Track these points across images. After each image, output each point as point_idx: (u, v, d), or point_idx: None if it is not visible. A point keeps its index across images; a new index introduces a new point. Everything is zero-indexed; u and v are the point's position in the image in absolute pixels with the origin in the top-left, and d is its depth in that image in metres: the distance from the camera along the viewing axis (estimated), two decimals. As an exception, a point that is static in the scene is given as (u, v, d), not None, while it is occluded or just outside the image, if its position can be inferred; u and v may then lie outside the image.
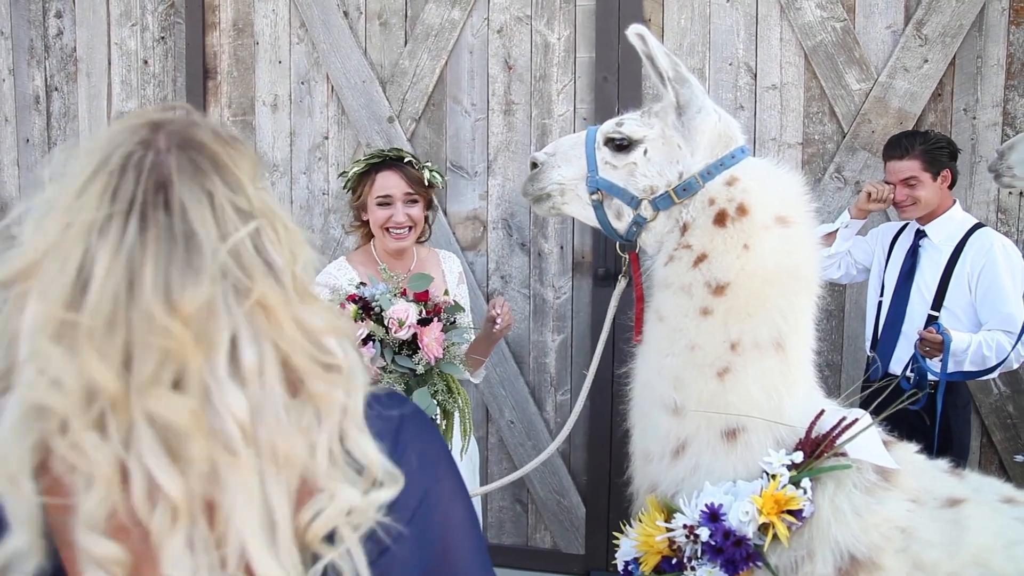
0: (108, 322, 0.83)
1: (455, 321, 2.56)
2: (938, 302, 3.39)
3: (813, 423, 1.67)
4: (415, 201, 2.88)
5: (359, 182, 2.91)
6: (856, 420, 1.64)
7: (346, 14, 4.42)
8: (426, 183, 2.92)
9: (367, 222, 2.95)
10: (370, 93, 4.38)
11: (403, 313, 2.34)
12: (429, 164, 2.98)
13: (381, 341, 2.35)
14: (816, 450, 1.61)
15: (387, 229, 2.85)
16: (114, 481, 0.83)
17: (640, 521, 1.73)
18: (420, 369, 2.38)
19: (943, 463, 1.74)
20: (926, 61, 3.82)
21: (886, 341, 3.49)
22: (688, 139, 1.84)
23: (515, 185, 4.31)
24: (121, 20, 4.76)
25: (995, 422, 3.89)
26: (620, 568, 1.78)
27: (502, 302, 2.90)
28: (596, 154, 1.93)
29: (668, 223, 1.86)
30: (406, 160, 2.91)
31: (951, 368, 3.14)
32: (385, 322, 2.34)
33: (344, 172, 3.01)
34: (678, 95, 1.84)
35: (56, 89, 4.89)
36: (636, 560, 1.71)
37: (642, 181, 1.87)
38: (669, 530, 1.64)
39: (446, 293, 2.57)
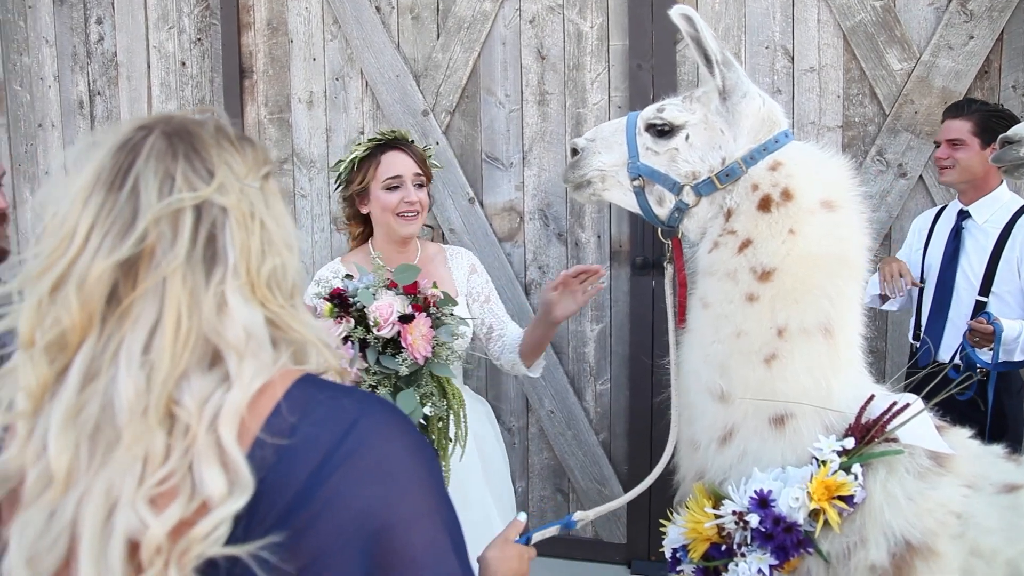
0: (53, 287, 0.92)
1: (451, 314, 2.32)
2: (986, 287, 3.28)
3: (863, 408, 1.64)
4: (421, 184, 2.70)
5: (358, 169, 2.68)
6: (907, 405, 1.60)
7: (378, 9, 4.44)
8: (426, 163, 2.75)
9: (365, 217, 2.74)
10: (404, 87, 4.40)
11: (386, 309, 2.13)
12: (429, 147, 2.83)
13: (361, 341, 2.13)
14: (867, 435, 1.58)
15: (396, 214, 2.63)
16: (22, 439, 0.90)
17: (688, 508, 1.72)
18: (403, 371, 2.13)
19: (998, 448, 1.70)
20: (971, 37, 3.72)
21: (932, 328, 3.40)
22: (732, 124, 1.82)
23: (551, 175, 4.30)
24: (159, 24, 4.84)
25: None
26: (668, 555, 1.76)
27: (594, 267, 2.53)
28: (637, 140, 1.92)
29: (711, 209, 1.84)
30: (410, 140, 2.75)
31: (1002, 357, 3.06)
32: (368, 319, 2.14)
33: (339, 162, 2.77)
34: (724, 79, 1.81)
35: (99, 94, 4.99)
36: (684, 547, 1.69)
37: (684, 167, 1.86)
38: (718, 517, 1.63)
39: (435, 286, 2.33)
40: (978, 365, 3.01)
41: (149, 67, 4.90)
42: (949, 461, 1.58)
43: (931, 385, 1.85)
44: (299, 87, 4.62)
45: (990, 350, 3.03)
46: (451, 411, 2.26)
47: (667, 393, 1.95)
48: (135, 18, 4.87)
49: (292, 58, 4.63)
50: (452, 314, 2.32)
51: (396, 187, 2.64)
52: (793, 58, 3.97)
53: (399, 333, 2.14)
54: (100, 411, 0.88)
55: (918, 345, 3.47)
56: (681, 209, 1.88)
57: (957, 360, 3.15)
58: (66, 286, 0.91)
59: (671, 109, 1.90)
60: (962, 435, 1.69)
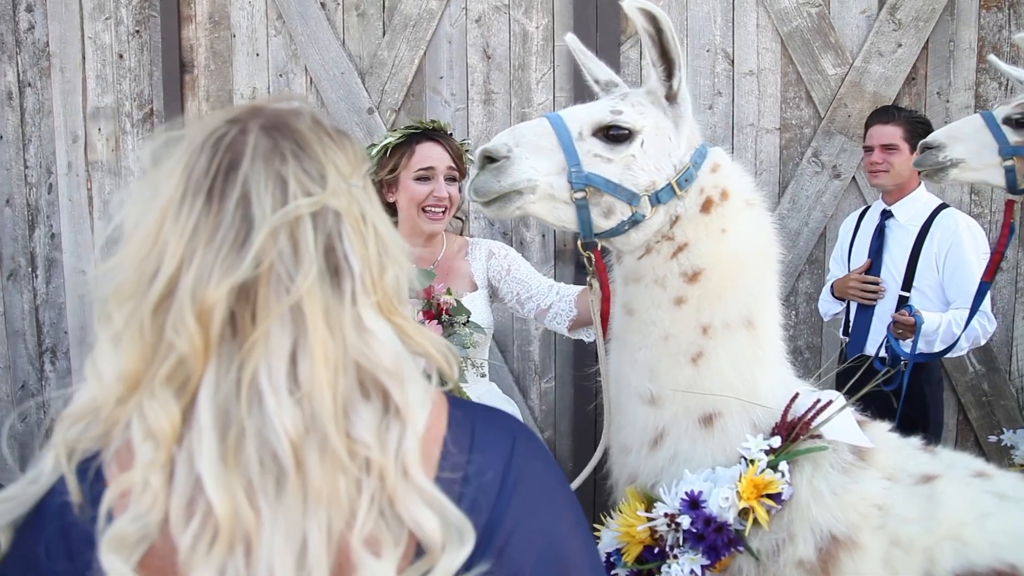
0: (153, 313, 0.82)
1: (465, 323, 2.27)
2: (908, 282, 3.45)
3: (788, 406, 1.69)
4: (454, 179, 2.60)
5: (390, 155, 2.57)
6: (830, 402, 1.66)
7: (323, 5, 4.39)
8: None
9: (391, 206, 2.63)
10: (349, 85, 4.37)
11: None
12: (467, 141, 2.73)
13: None
14: (792, 433, 1.63)
15: (423, 209, 2.55)
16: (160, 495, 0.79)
17: (620, 512, 1.73)
18: None
19: (916, 441, 1.78)
20: (900, 45, 3.86)
21: (859, 323, 3.54)
22: (678, 129, 1.76)
23: (496, 174, 4.31)
24: (94, 14, 4.71)
25: (971, 400, 3.97)
26: (602, 560, 1.78)
27: None
28: (577, 146, 1.70)
29: (664, 218, 1.74)
30: (448, 132, 2.64)
31: (923, 348, 3.20)
32: None
33: (371, 145, 2.67)
34: (681, 83, 1.74)
35: (29, 85, 4.83)
36: (618, 551, 1.71)
37: (642, 176, 1.70)
38: (650, 520, 1.65)
39: (448, 292, 2.27)
40: (901, 357, 3.15)
41: (84, 58, 4.76)
42: (870, 455, 1.64)
43: (856, 377, 1.91)
44: (242, 83, 4.55)
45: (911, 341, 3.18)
46: None
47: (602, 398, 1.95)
48: (68, 7, 4.73)
49: (235, 53, 4.55)
50: (467, 322, 2.27)
51: (428, 178, 2.56)
52: (733, 61, 4.06)
53: None
54: (259, 449, 0.78)
55: (847, 340, 3.61)
56: (636, 221, 1.71)
57: (883, 352, 3.28)
58: (175, 309, 0.80)
59: (629, 112, 1.72)
60: (882, 429, 1.76)
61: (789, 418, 1.66)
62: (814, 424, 1.62)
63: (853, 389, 1.82)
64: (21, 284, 4.94)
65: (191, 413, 0.80)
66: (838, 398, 1.69)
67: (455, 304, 2.27)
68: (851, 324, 3.60)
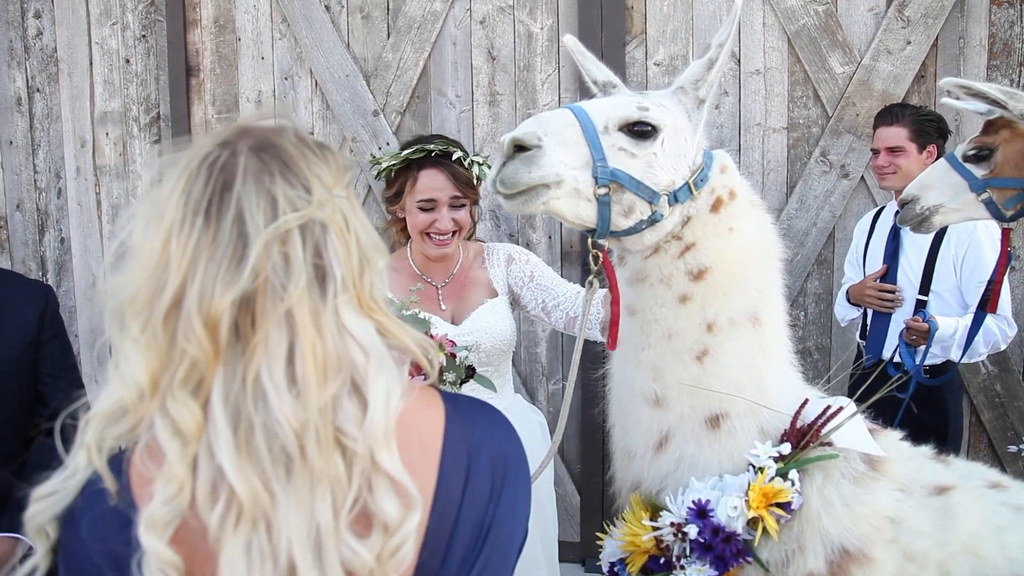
0: (164, 322, 0.90)
1: (459, 382, 2.10)
2: (925, 286, 3.39)
3: (798, 412, 1.67)
4: (462, 205, 2.49)
5: (395, 177, 2.53)
6: (841, 408, 1.63)
7: (327, 8, 4.39)
8: (475, 180, 2.51)
9: (403, 219, 2.58)
10: (354, 87, 4.36)
11: None
12: (479, 157, 2.56)
13: None
14: (802, 440, 1.61)
15: (427, 235, 2.48)
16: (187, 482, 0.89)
17: (625, 520, 1.70)
18: None
19: (927, 450, 1.75)
20: (909, 43, 3.83)
21: (876, 328, 3.49)
22: (694, 131, 1.74)
23: (502, 176, 4.30)
24: (101, 19, 4.72)
25: (983, 402, 3.93)
26: (605, 569, 1.74)
27: None
28: (602, 139, 1.62)
29: (678, 218, 1.71)
30: (454, 157, 2.48)
31: (938, 354, 3.17)
32: None
33: (376, 161, 2.61)
34: (712, 88, 1.75)
35: (38, 90, 4.85)
36: (622, 560, 1.68)
37: (661, 175, 1.65)
38: (656, 528, 1.62)
39: (441, 348, 2.08)
40: (908, 369, 3.12)
41: (91, 63, 4.78)
42: (882, 465, 1.61)
43: (868, 383, 1.89)
44: (247, 86, 4.55)
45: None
46: None
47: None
48: (76, 13, 4.74)
49: (240, 56, 4.55)
50: (465, 379, 2.12)
51: (430, 208, 2.46)
52: (739, 61, 4.03)
53: None
54: (267, 440, 0.88)
55: (864, 344, 3.56)
56: (655, 220, 1.66)
57: (898, 358, 3.25)
58: (184, 318, 0.89)
59: (654, 109, 1.68)
60: (893, 437, 1.73)
61: (799, 424, 1.63)
62: (824, 431, 1.59)
63: (865, 395, 1.79)
64: (30, 289, 4.96)
65: (207, 411, 0.89)
66: (849, 405, 1.66)
67: (444, 362, 2.07)
68: (868, 329, 3.55)
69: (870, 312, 3.53)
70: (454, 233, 2.49)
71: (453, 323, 2.56)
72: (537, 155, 1.58)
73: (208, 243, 0.90)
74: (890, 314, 3.45)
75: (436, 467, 0.99)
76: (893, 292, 3.41)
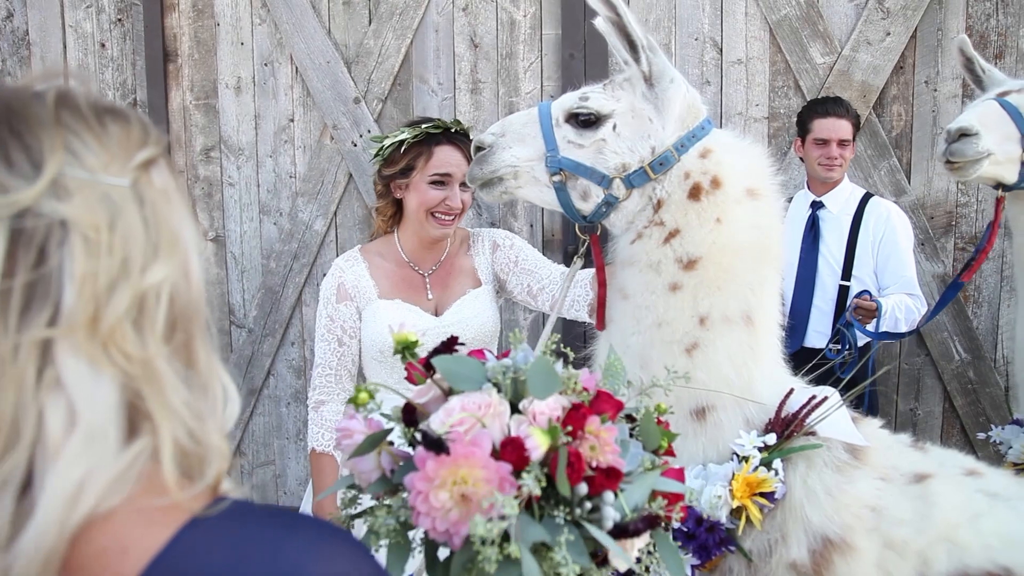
0: None
1: None
2: (847, 272, 3.51)
3: (783, 402, 1.68)
4: (468, 186, 2.44)
5: (404, 152, 2.44)
6: (825, 398, 1.65)
7: (308, -7, 4.34)
8: None
9: (398, 201, 2.52)
10: (335, 74, 4.32)
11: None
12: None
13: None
14: (787, 430, 1.63)
15: (432, 214, 2.45)
16: None
17: None
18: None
19: (905, 437, 1.77)
20: (888, 34, 3.86)
21: (797, 315, 3.57)
22: (660, 111, 1.75)
23: (484, 165, 4.29)
24: (75, 2, 4.63)
25: (956, 388, 4.00)
26: None
27: None
28: (555, 132, 1.78)
29: (641, 201, 1.76)
30: (470, 138, 2.43)
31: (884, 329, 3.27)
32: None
33: (378, 137, 2.54)
34: (652, 64, 1.75)
35: (8, 74, 4.75)
36: None
37: (612, 159, 1.75)
38: None
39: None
40: (869, 339, 3.21)
41: (65, 47, 4.68)
42: (864, 453, 1.63)
43: (807, 367, 1.92)
44: (226, 72, 4.49)
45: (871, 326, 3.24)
46: None
47: None
48: (48, -4, 4.65)
49: (219, 42, 4.49)
50: None
51: (443, 184, 2.43)
52: (721, 50, 4.05)
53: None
54: None
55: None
56: (610, 203, 1.76)
57: (833, 343, 3.35)
58: None
59: (596, 97, 1.77)
60: (873, 425, 1.75)
61: (783, 414, 1.65)
62: (809, 421, 1.61)
63: (818, 381, 1.82)
64: None
65: None
66: (833, 394, 1.68)
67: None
68: (785, 317, 3.60)
69: (789, 299, 3.57)
70: (455, 217, 2.49)
71: (436, 314, 2.54)
72: (488, 154, 1.86)
73: None
74: (811, 300, 3.55)
75: None
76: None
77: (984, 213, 3.89)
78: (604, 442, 1.02)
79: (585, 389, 1.12)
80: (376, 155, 2.51)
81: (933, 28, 3.85)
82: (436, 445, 0.96)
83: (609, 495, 1.01)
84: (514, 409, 1.05)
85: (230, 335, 4.70)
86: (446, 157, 2.44)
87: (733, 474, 1.58)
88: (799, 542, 1.56)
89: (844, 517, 1.56)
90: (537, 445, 0.98)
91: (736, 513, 1.58)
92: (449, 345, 1.17)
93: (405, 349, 1.13)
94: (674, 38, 4.06)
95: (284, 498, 4.69)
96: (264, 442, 4.68)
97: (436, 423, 1.00)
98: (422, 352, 1.10)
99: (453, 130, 2.49)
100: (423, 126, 2.48)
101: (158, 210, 0.73)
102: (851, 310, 3.27)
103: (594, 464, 1.01)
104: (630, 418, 1.19)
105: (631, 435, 1.15)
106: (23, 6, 4.68)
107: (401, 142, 2.45)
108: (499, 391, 1.06)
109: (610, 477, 1.01)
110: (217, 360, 0.78)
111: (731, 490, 1.57)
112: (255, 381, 4.64)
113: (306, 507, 2.58)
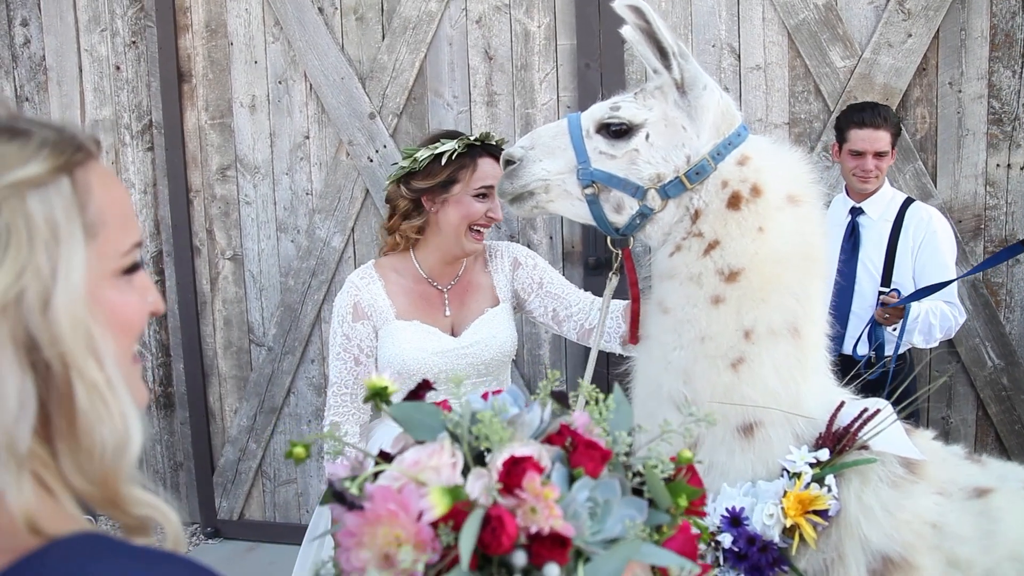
0: None
1: None
2: (887, 278, 3.44)
3: (834, 416, 1.62)
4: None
5: (448, 165, 2.40)
6: (878, 410, 1.59)
7: (321, 10, 4.33)
8: None
9: (421, 212, 2.45)
10: (349, 90, 4.31)
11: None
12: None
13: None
14: (839, 444, 1.56)
15: (470, 228, 2.42)
16: None
17: None
18: None
19: (959, 449, 1.71)
20: (910, 35, 3.80)
21: (835, 322, 3.49)
22: (694, 119, 1.70)
23: (502, 177, 4.26)
24: (90, 26, 4.64)
25: (990, 395, 3.91)
26: None
27: None
28: (586, 143, 1.75)
29: (677, 212, 1.71)
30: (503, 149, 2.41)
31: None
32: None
33: (411, 149, 2.47)
34: (683, 71, 1.70)
35: (27, 99, 4.77)
36: None
37: (646, 169, 1.71)
38: None
39: None
40: (886, 349, 3.13)
41: (81, 71, 4.70)
42: (920, 467, 1.57)
43: (857, 376, 1.88)
44: (241, 91, 4.49)
45: (893, 330, 3.18)
46: None
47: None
48: (64, 20, 4.66)
49: (232, 61, 4.48)
50: None
51: (486, 196, 2.41)
52: (739, 56, 4.00)
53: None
54: None
55: None
56: (645, 215, 1.72)
57: (868, 350, 3.25)
58: None
59: (628, 106, 1.74)
60: (926, 437, 1.69)
61: (835, 429, 1.59)
62: (862, 434, 1.55)
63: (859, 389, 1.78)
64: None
65: None
66: (886, 406, 1.61)
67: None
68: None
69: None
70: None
71: (453, 334, 2.49)
72: (518, 168, 1.84)
73: None
74: (849, 307, 3.47)
75: None
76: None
77: (1014, 215, 3.81)
78: (547, 504, 0.88)
79: (573, 434, 0.98)
80: (408, 169, 2.44)
81: (956, 28, 3.79)
82: (350, 505, 0.89)
83: (552, 568, 0.86)
84: (480, 461, 0.95)
85: (250, 354, 4.67)
86: (490, 170, 2.41)
87: (784, 491, 1.52)
88: (857, 562, 1.49)
89: (904, 535, 1.49)
90: (432, 505, 0.87)
91: (789, 532, 1.52)
92: (418, 391, 1.08)
93: (376, 395, 1.05)
94: (691, 45, 4.02)
95: (307, 516, 4.64)
96: (286, 461, 4.63)
97: (383, 477, 0.93)
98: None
99: (495, 142, 2.47)
100: (458, 139, 2.43)
101: (35, 237, 0.71)
102: (876, 308, 3.22)
103: (532, 530, 0.87)
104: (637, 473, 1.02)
105: (641, 491, 1.00)
106: (40, 32, 4.70)
107: (440, 154, 2.40)
108: (455, 441, 0.96)
109: (555, 546, 0.86)
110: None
111: (783, 508, 1.50)
112: (275, 400, 4.60)
113: (316, 528, 2.53)
